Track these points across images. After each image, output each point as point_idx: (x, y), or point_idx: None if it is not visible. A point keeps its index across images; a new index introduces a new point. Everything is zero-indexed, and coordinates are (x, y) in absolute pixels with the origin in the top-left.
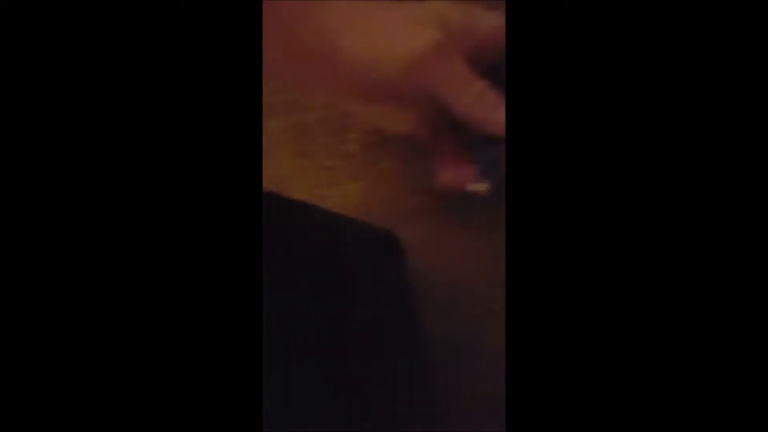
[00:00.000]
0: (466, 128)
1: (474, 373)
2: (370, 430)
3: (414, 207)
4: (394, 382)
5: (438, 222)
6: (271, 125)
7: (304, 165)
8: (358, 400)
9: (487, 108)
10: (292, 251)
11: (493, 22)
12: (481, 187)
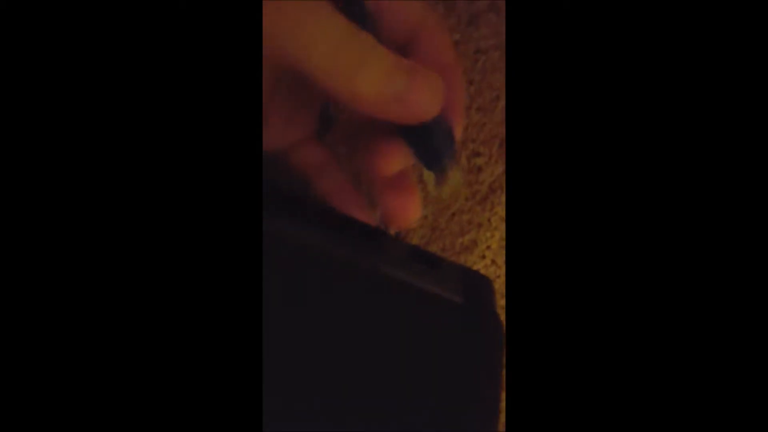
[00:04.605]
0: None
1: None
2: (371, 430)
3: None
4: (394, 382)
5: None
6: None
7: None
8: (359, 400)
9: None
10: (293, 249)
11: None
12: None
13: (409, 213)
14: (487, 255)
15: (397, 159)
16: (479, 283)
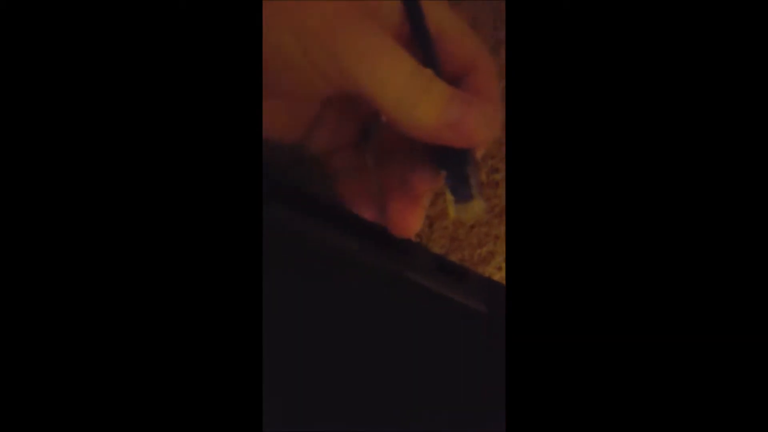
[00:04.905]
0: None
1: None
2: (371, 430)
3: None
4: (395, 382)
5: None
6: None
7: None
8: (359, 400)
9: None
10: (293, 249)
11: None
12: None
13: (407, 221)
14: (504, 267)
15: (429, 180)
16: (502, 294)
